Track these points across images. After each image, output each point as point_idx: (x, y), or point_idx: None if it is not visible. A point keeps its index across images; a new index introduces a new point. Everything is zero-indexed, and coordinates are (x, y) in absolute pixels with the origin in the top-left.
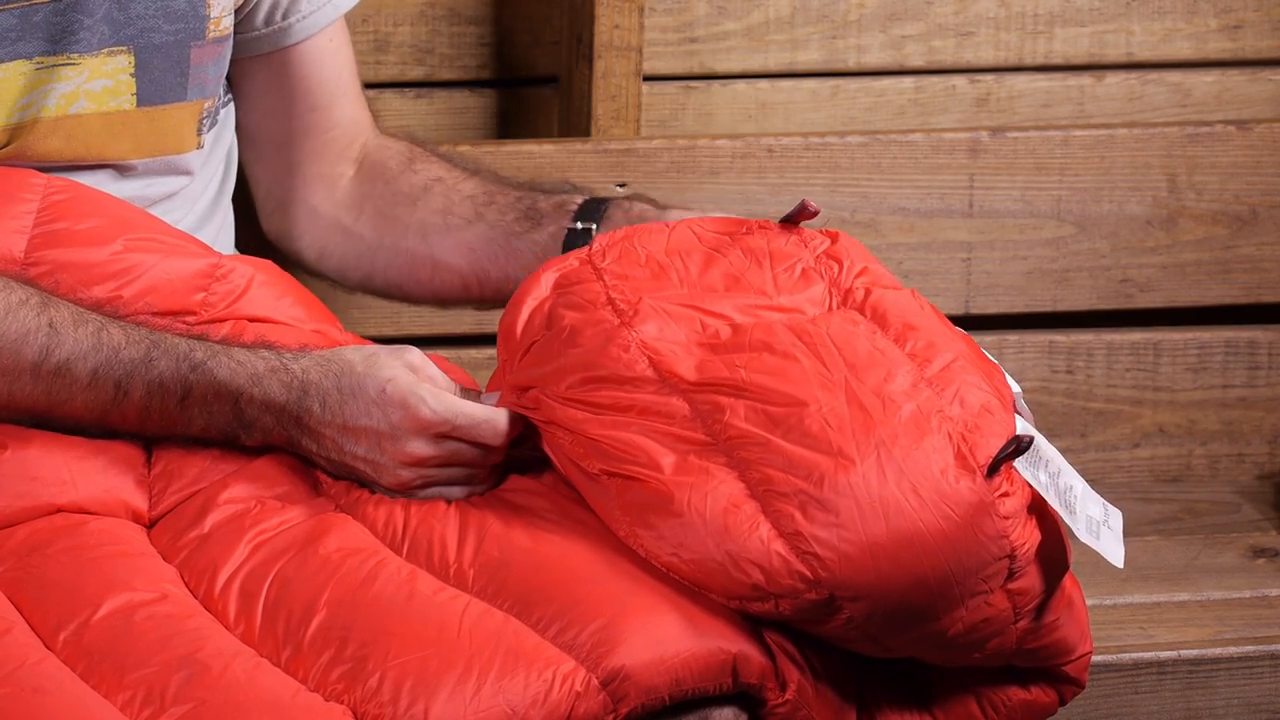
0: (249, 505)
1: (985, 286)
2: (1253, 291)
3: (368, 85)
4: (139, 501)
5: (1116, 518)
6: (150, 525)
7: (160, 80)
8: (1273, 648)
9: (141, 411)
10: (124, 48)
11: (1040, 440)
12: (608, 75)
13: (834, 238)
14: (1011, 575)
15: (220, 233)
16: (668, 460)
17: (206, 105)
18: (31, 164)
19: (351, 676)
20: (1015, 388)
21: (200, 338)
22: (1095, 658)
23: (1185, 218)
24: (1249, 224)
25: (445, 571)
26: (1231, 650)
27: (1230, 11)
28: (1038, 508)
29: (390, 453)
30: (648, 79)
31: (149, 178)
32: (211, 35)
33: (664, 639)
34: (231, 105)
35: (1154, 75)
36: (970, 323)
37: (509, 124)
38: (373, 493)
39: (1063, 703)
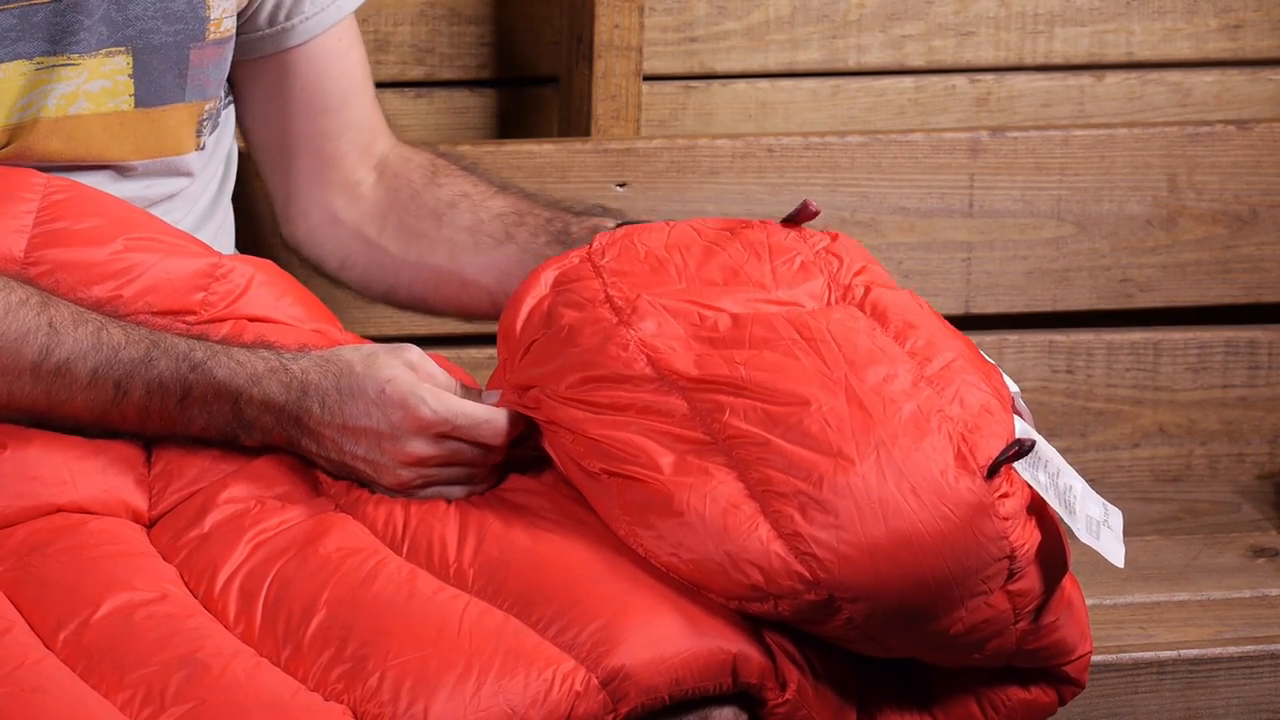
0: (249, 505)
1: (985, 286)
2: (1253, 291)
3: None
4: (139, 501)
5: (1117, 517)
6: (150, 525)
7: (158, 81)
8: (1273, 648)
9: (141, 411)
10: (122, 48)
11: (1040, 441)
12: (608, 75)
13: (834, 237)
14: (1011, 576)
15: (220, 233)
16: (667, 460)
17: (207, 107)
18: (32, 164)
19: (351, 676)
20: (1013, 387)
21: (200, 338)
22: (1095, 658)
23: (1185, 217)
24: (1249, 224)
25: (445, 571)
26: (1231, 650)
27: (1230, 11)
28: (1037, 508)
29: (390, 453)
30: (648, 79)
31: (149, 179)
32: (212, 37)
33: (664, 639)
34: (232, 107)
35: (1154, 75)
36: (970, 323)
37: (509, 124)
38: (373, 492)
39: (1063, 703)
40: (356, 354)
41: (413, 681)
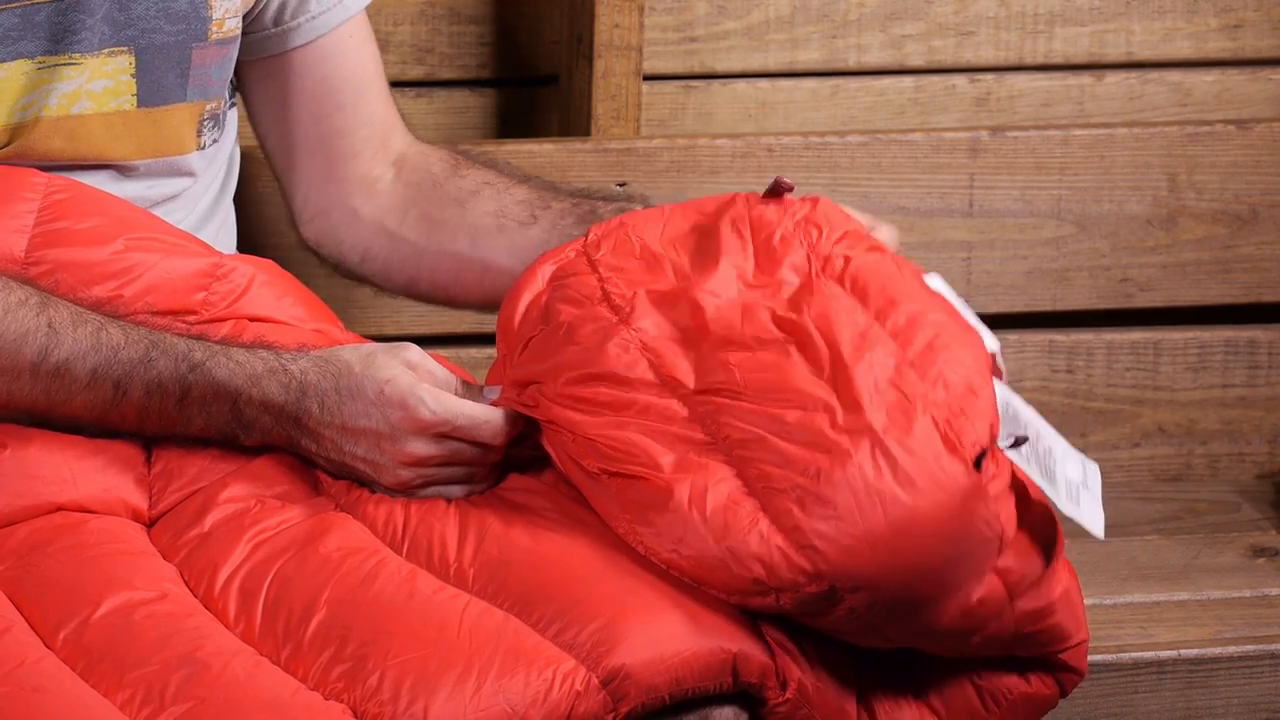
0: (249, 504)
1: (985, 286)
2: (1253, 291)
3: None
4: (139, 500)
5: (1095, 474)
6: (150, 524)
7: (160, 81)
8: (1273, 647)
9: (140, 411)
10: (124, 48)
11: (1017, 403)
12: (608, 75)
13: (814, 204)
14: (999, 554)
15: (220, 232)
16: (667, 459)
17: (209, 107)
18: (33, 164)
19: (351, 675)
20: (993, 345)
21: (200, 338)
22: (1095, 657)
23: (1185, 217)
24: (1249, 223)
25: (445, 571)
26: (1231, 650)
27: (1230, 11)
28: (1017, 483)
29: (390, 453)
30: (648, 78)
31: (151, 179)
32: (214, 37)
33: (664, 638)
34: (236, 108)
35: (1154, 75)
36: None
37: (509, 123)
38: (373, 492)
39: (1063, 694)
40: (355, 354)
41: (413, 681)
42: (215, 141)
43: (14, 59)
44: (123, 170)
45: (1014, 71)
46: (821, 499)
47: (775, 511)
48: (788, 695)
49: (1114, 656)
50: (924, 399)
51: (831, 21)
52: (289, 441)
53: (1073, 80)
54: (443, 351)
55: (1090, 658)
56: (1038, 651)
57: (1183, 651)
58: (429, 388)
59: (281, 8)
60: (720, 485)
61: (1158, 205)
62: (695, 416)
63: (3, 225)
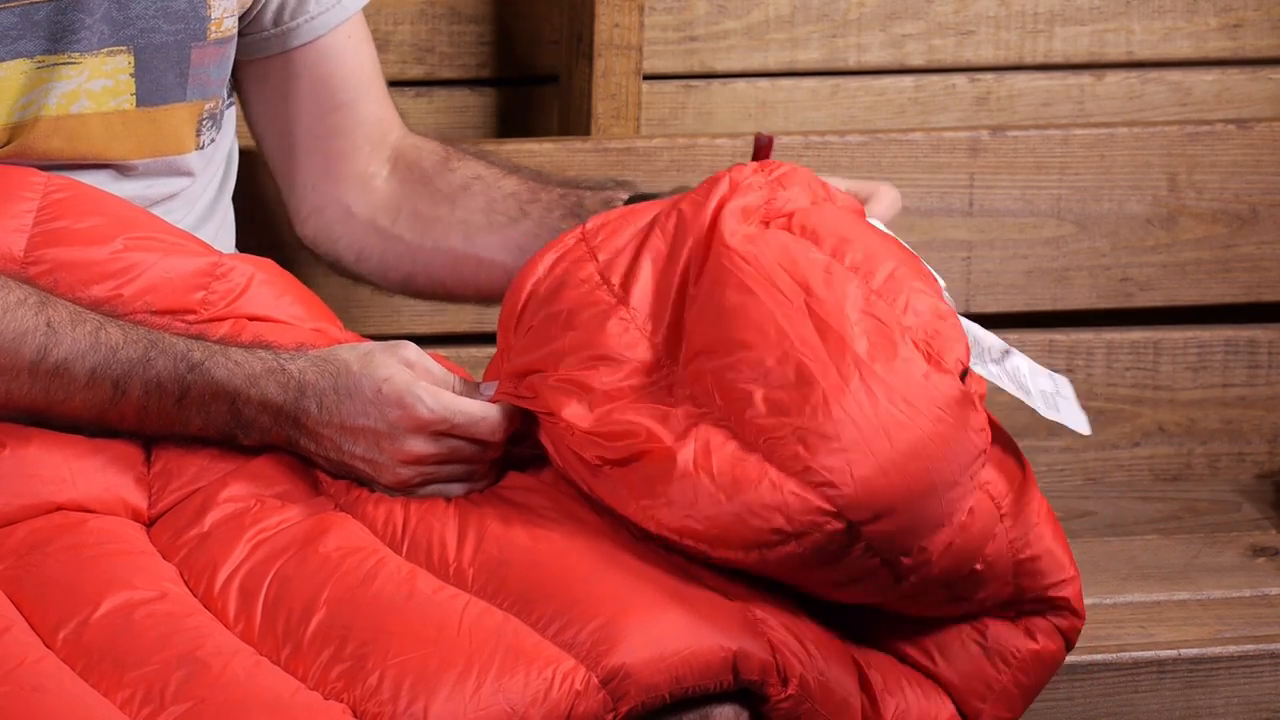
0: (249, 504)
1: (985, 285)
2: (1253, 290)
3: None
4: (138, 500)
5: (1066, 385)
6: (150, 524)
7: (159, 80)
8: (1273, 647)
9: (139, 411)
10: (124, 47)
11: (975, 328)
12: (608, 74)
13: (792, 169)
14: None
15: (219, 232)
16: (665, 430)
17: (208, 106)
18: (32, 163)
19: (351, 675)
20: (940, 281)
21: (198, 337)
22: (1095, 657)
23: (1185, 216)
24: (1249, 223)
25: (445, 570)
26: (1231, 649)
27: (1230, 10)
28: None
29: (389, 451)
30: (648, 78)
31: (150, 178)
32: (213, 36)
33: (664, 637)
34: (234, 107)
35: (1154, 74)
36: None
37: (509, 123)
38: (372, 491)
39: (1069, 647)
40: (353, 353)
41: (412, 680)
42: (214, 141)
43: (13, 58)
44: (122, 169)
45: (1014, 71)
46: (824, 435)
47: (781, 459)
48: (789, 692)
49: (1114, 656)
50: (898, 324)
51: (831, 21)
52: (288, 441)
53: (1073, 80)
54: (442, 350)
55: (1090, 657)
56: (1035, 587)
57: (1183, 651)
58: (427, 386)
59: (280, 8)
60: (724, 446)
61: (1158, 205)
62: (688, 390)
63: (2, 224)
